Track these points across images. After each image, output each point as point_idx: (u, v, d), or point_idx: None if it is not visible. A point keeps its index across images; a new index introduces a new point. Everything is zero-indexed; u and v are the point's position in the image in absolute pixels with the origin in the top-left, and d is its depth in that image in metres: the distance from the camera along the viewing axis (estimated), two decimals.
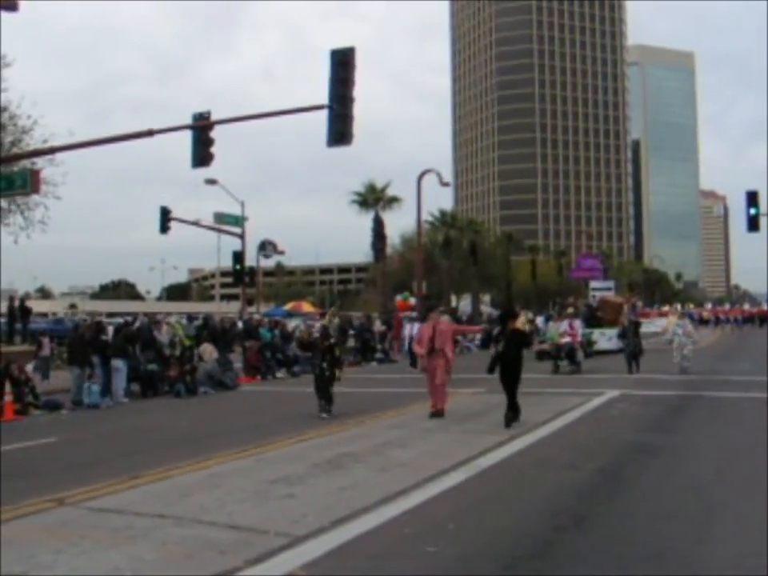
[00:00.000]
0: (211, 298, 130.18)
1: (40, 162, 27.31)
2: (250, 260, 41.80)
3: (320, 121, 18.62)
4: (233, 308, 77.30)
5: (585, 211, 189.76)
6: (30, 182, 20.58)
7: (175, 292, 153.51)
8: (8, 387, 17.43)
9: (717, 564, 5.78)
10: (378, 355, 32.38)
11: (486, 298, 67.86)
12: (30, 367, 23.07)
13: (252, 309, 50.38)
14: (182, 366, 21.01)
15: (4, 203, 28.48)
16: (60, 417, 17.37)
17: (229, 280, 54.63)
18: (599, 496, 8.00)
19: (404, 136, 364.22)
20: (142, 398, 20.32)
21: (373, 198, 57.28)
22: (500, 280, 77.48)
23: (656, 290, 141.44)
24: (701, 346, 27.31)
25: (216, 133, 20.03)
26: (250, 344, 26.41)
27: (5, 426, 15.38)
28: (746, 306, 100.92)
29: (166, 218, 33.56)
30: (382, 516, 7.06)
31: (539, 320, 41.07)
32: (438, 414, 13.71)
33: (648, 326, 51.77)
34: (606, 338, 32.48)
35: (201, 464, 9.89)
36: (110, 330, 21.81)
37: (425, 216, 55.32)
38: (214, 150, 20.00)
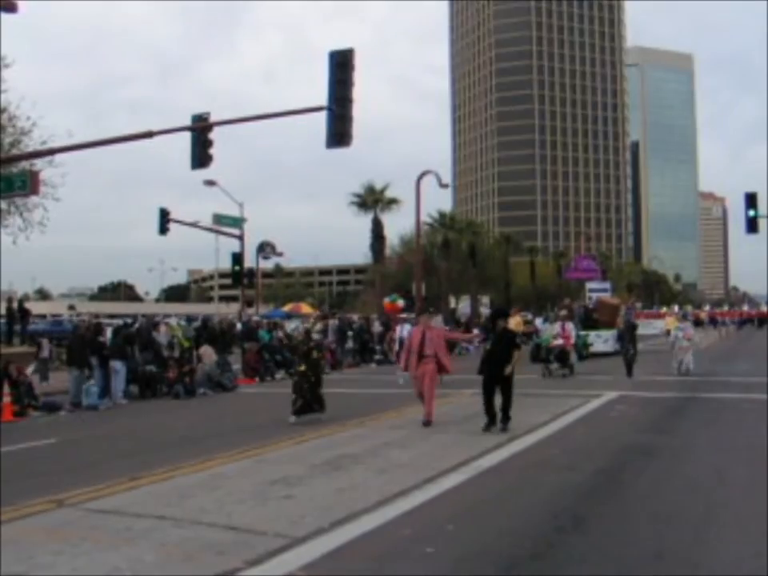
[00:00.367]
0: (210, 300, 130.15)
1: (39, 163, 27.36)
2: (249, 261, 41.82)
3: (319, 122, 18.65)
4: (232, 309, 77.26)
5: (584, 212, 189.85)
6: (29, 184, 20.58)
7: (174, 293, 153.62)
8: (7, 388, 17.43)
9: (716, 565, 5.78)
10: (377, 356, 32.40)
11: (485, 299, 67.79)
12: (29, 369, 23.07)
13: (251, 310, 50.32)
14: (181, 367, 21.01)
15: (3, 204, 28.49)
16: (59, 418, 17.36)
17: (228, 281, 54.64)
18: (599, 497, 8.00)
19: (403, 137, 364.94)
20: (141, 399, 20.31)
21: (372, 200, 57.33)
22: (499, 281, 77.54)
23: (655, 291, 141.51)
24: (699, 348, 27.26)
25: (215, 134, 20.07)
26: (248, 345, 26.42)
27: (4, 427, 15.36)
28: (746, 308, 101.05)
29: (165, 219, 33.57)
30: (381, 517, 7.06)
31: (538, 321, 41.00)
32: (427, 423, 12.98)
33: (646, 328, 51.86)
34: (602, 340, 32.31)
35: (200, 465, 9.89)
36: (109, 331, 21.79)
37: (424, 217, 55.41)
38: (213, 151, 20.02)
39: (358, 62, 18.42)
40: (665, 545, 6.16)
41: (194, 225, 37.98)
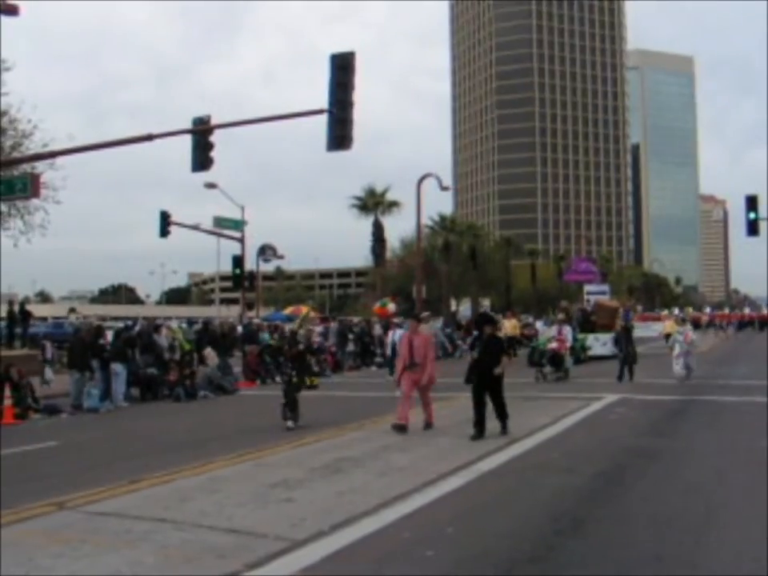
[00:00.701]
0: (211, 302, 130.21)
1: (40, 166, 27.37)
2: (250, 264, 41.83)
3: (320, 125, 18.67)
4: (233, 312, 77.29)
5: (584, 215, 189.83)
6: (30, 186, 20.59)
7: (175, 296, 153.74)
8: (8, 391, 17.43)
9: (716, 567, 5.79)
10: (378, 359, 32.36)
11: (486, 302, 67.74)
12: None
13: (251, 313, 50.34)
14: (182, 370, 21.01)
15: (4, 207, 28.50)
16: (60, 421, 17.37)
17: (228, 284, 54.60)
18: (598, 500, 8.00)
19: (404, 140, 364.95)
20: (142, 402, 20.31)
21: (372, 203, 57.37)
22: (499, 284, 77.56)
23: (656, 294, 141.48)
24: (699, 350, 27.19)
25: (216, 137, 20.07)
26: (249, 348, 26.42)
27: (4, 429, 15.37)
28: (747, 310, 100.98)
29: (165, 222, 33.54)
30: (381, 520, 7.07)
31: (539, 324, 40.93)
32: (398, 427, 12.44)
33: (645, 331, 51.77)
34: (600, 343, 32.12)
35: (200, 468, 9.90)
36: (110, 334, 21.80)
37: (425, 220, 55.47)
38: (213, 154, 20.03)
39: (359, 65, 18.46)
40: (665, 547, 6.17)
41: (194, 228, 37.99)
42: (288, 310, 62.53)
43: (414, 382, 12.81)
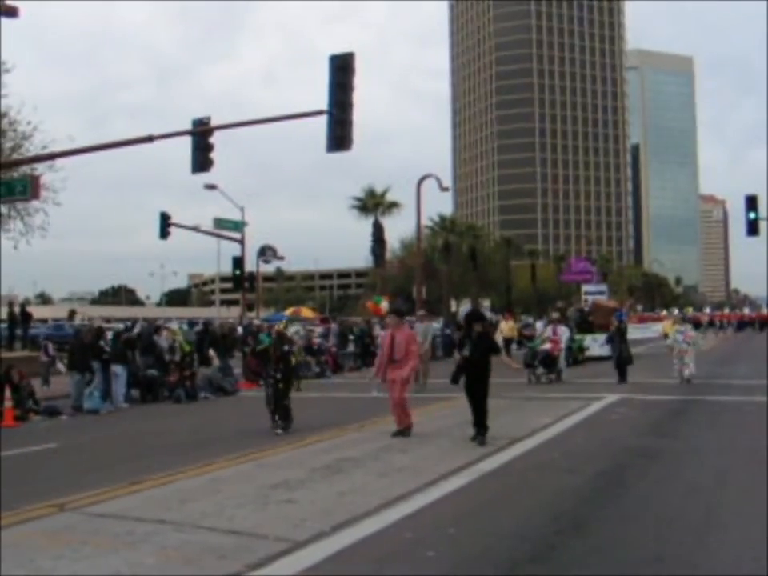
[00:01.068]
0: (211, 304, 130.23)
1: (40, 167, 27.36)
2: (250, 265, 41.81)
3: (320, 126, 18.67)
4: (233, 313, 77.32)
5: (584, 215, 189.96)
6: (30, 188, 20.60)
7: (175, 297, 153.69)
8: (8, 393, 17.43)
9: (717, 567, 5.79)
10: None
11: (486, 302, 67.77)
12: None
13: (252, 314, 50.34)
14: (182, 371, 21.01)
15: (4, 209, 28.48)
16: (60, 422, 17.37)
17: (228, 285, 54.69)
18: (600, 500, 8.00)
19: (403, 141, 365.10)
20: (142, 403, 20.32)
21: (372, 203, 57.39)
22: (500, 285, 77.63)
23: (656, 294, 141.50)
24: (700, 349, 27.15)
25: (216, 138, 20.09)
26: (249, 349, 26.40)
27: (5, 431, 15.39)
28: (746, 310, 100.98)
29: (165, 223, 33.54)
30: (382, 521, 7.06)
31: (539, 324, 40.86)
32: (400, 432, 12.22)
33: (644, 331, 51.67)
34: (598, 344, 31.96)
35: (201, 469, 9.89)
36: (109, 335, 21.79)
37: (425, 221, 55.43)
38: (213, 155, 20.04)
39: (359, 66, 18.47)
40: (665, 547, 6.16)
41: (194, 229, 37.99)
42: (288, 311, 62.72)
43: (393, 381, 12.32)
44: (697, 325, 56.31)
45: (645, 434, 12.48)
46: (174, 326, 26.80)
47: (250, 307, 55.60)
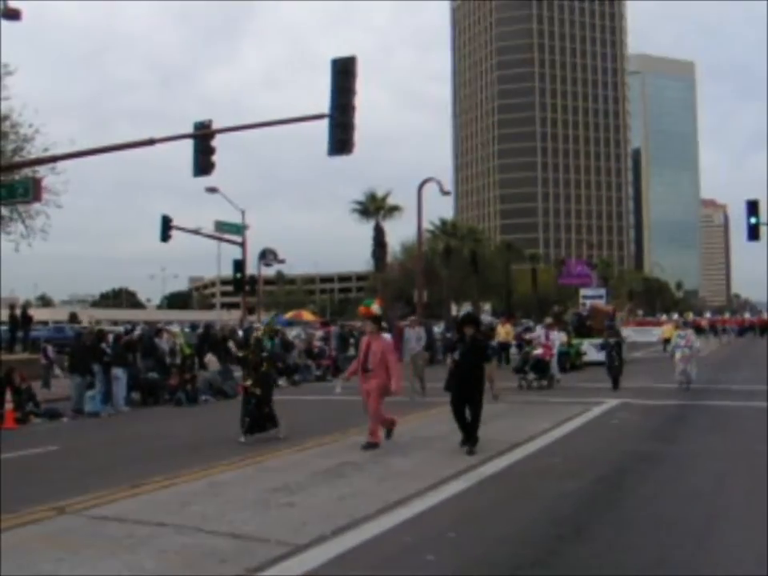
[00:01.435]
0: (212, 307, 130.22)
1: (41, 170, 27.39)
2: (251, 268, 41.84)
3: (321, 129, 18.67)
4: (233, 316, 77.33)
5: (585, 220, 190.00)
6: (32, 191, 20.59)
7: (176, 300, 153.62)
8: (9, 395, 17.42)
9: (718, 572, 5.79)
10: None
11: (487, 306, 67.72)
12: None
13: (252, 317, 50.33)
14: (183, 374, 21.02)
15: (5, 211, 28.52)
16: (60, 425, 17.36)
17: (229, 288, 54.61)
18: (600, 505, 8.00)
19: (404, 144, 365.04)
20: (143, 406, 20.31)
21: (373, 207, 57.30)
22: (500, 289, 77.56)
23: (656, 299, 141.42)
24: (700, 355, 27.09)
25: (217, 141, 20.07)
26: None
27: (5, 433, 15.38)
28: (747, 315, 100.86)
29: (167, 226, 33.56)
30: (382, 525, 7.06)
31: (539, 329, 40.74)
32: (370, 445, 11.60)
33: (643, 336, 51.65)
34: (596, 349, 31.78)
35: (201, 472, 9.89)
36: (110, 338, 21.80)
37: (425, 225, 55.37)
38: (215, 158, 20.03)
39: (360, 70, 18.47)
40: (666, 552, 6.16)
41: (195, 232, 37.96)
42: (289, 315, 62.74)
43: (367, 392, 11.76)
44: (697, 330, 56.29)
45: (645, 438, 12.48)
46: (176, 328, 26.80)
47: (250, 310, 55.62)
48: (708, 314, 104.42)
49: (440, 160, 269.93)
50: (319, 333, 35.19)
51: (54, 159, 24.35)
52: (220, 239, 39.17)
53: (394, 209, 57.47)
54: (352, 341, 32.71)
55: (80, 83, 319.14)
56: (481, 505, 8.03)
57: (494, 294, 77.50)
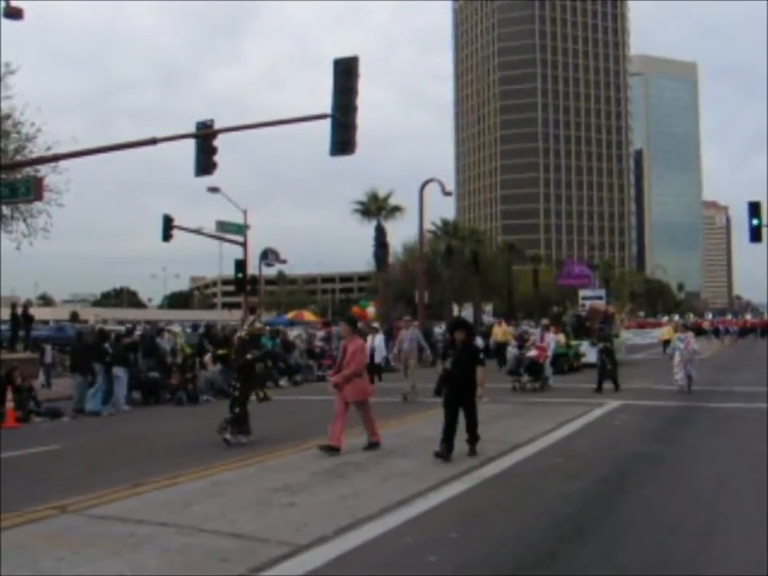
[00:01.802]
0: (213, 306, 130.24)
1: (43, 169, 27.40)
2: (252, 268, 41.80)
3: (323, 129, 18.68)
4: (234, 316, 77.34)
5: (587, 221, 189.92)
6: (34, 190, 20.64)
7: (177, 300, 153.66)
8: (10, 394, 17.44)
9: (720, 573, 5.78)
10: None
11: (488, 307, 67.73)
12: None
13: (253, 317, 50.31)
14: (184, 373, 21.03)
15: (7, 210, 28.52)
16: (61, 424, 17.37)
17: (231, 288, 54.63)
18: (601, 506, 7.99)
19: (407, 145, 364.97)
20: (144, 405, 20.32)
21: (375, 207, 57.32)
22: (502, 289, 77.56)
23: (658, 300, 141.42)
24: (701, 357, 27.07)
25: (219, 141, 20.09)
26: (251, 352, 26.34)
27: (6, 432, 15.40)
28: (748, 317, 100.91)
29: (168, 225, 33.55)
30: (384, 525, 7.06)
31: (538, 330, 40.68)
32: (330, 448, 11.09)
33: (643, 337, 51.60)
34: (594, 350, 31.57)
35: (203, 472, 9.89)
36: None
37: (427, 225, 55.42)
38: (217, 158, 20.05)
39: (363, 70, 18.48)
40: (668, 553, 6.16)
41: (197, 231, 37.93)
42: (290, 315, 62.79)
43: (343, 398, 11.52)
44: (699, 331, 56.36)
45: (646, 440, 12.48)
46: (177, 328, 26.79)
47: (252, 310, 55.56)
48: (709, 316, 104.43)
49: (442, 160, 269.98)
50: (320, 333, 35.17)
51: (56, 158, 24.37)
52: (221, 239, 39.15)
53: (396, 209, 57.50)
54: None
55: (82, 82, 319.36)
56: (482, 505, 8.02)
57: (496, 294, 77.51)
